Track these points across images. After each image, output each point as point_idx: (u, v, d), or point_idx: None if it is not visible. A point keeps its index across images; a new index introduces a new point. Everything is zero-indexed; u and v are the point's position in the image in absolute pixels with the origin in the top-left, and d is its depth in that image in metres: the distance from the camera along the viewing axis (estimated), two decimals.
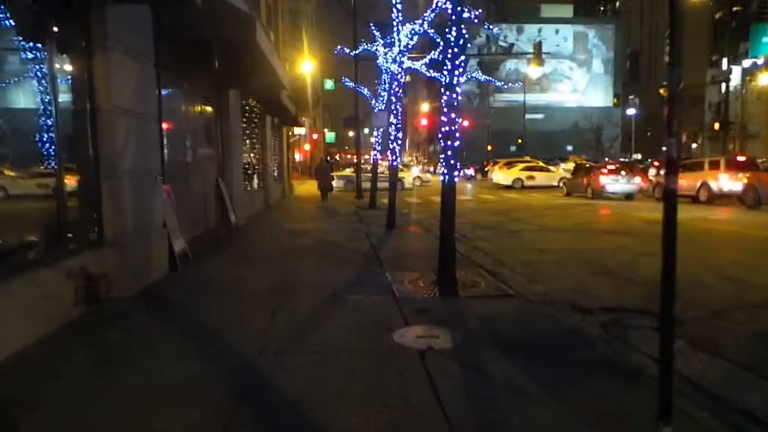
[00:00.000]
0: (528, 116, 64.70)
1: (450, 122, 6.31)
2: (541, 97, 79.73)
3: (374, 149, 18.27)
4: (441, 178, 6.59)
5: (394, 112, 12.23)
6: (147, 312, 5.23)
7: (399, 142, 12.40)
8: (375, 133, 18.02)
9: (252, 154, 16.11)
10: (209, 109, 10.80)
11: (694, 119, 77.97)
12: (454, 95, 6.31)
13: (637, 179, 23.09)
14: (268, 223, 13.31)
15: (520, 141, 58.29)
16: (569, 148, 76.93)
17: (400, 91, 12.24)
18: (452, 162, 6.38)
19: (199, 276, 7.00)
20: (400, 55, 12.20)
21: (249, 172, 15.58)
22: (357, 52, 17.27)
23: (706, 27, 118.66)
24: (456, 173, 6.46)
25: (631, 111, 74.90)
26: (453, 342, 4.42)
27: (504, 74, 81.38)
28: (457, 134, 6.41)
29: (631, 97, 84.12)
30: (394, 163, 12.45)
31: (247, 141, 15.35)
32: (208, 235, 9.66)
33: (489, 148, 66.45)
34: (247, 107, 14.72)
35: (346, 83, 18.87)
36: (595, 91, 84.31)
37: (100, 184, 5.36)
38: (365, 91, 18.40)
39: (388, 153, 12.67)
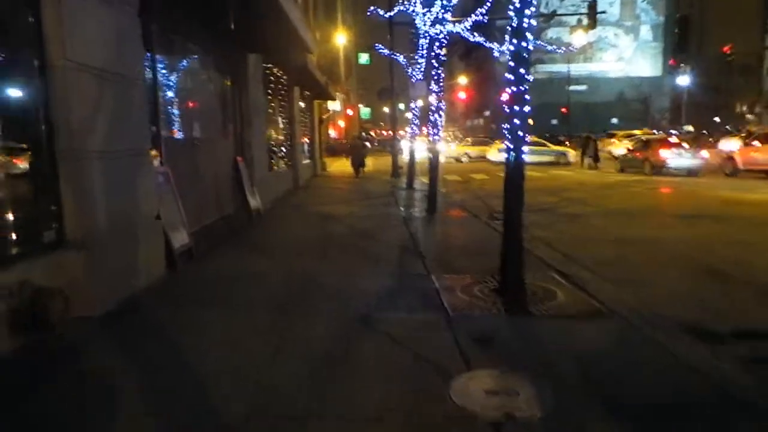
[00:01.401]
0: (570, 88, 61.33)
1: (518, 80, 4.72)
2: (585, 67, 75.61)
3: (412, 123, 16.66)
4: (504, 155, 5.03)
5: (435, 78, 10.59)
6: (109, 342, 3.90)
7: (441, 113, 10.79)
8: (412, 105, 16.40)
9: (278, 130, 14.75)
10: (224, 76, 9.43)
11: (751, 87, 72.64)
12: (524, 44, 4.69)
13: (704, 153, 20.85)
14: (294, 207, 11.98)
15: (564, 111, 55.13)
16: (614, 120, 73.10)
17: (443, 53, 10.58)
18: (520, 133, 4.81)
19: (198, 279, 5.69)
20: (443, 11, 10.49)
21: (275, 149, 14.25)
22: (392, 13, 15.56)
23: None
24: (525, 148, 4.89)
25: (683, 80, 70.12)
26: (541, 404, 2.95)
27: (546, 44, 77.67)
28: (527, 95, 4.82)
29: (682, 65, 78.94)
30: (435, 138, 10.86)
31: (273, 115, 13.98)
32: (223, 224, 8.38)
33: (530, 122, 63.53)
34: (271, 77, 13.31)
35: (380, 50, 17.21)
36: (643, 60, 79.39)
37: (57, 166, 4.03)
38: (401, 58, 16.72)
39: (428, 126, 11.08)
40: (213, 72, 8.92)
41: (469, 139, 45.37)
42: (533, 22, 4.68)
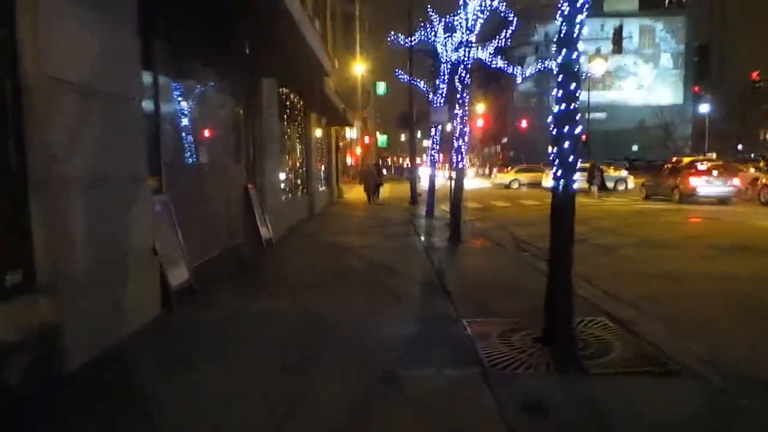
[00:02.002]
0: (589, 116, 60.60)
1: (567, 97, 4.07)
2: (604, 95, 75.05)
3: (432, 149, 16.09)
4: (551, 183, 4.35)
5: (460, 101, 10.01)
6: (75, 411, 3.22)
7: (465, 138, 10.17)
8: (432, 131, 15.85)
9: (294, 156, 14.28)
10: (237, 99, 8.96)
11: None
12: (574, 55, 4.05)
13: (736, 181, 19.74)
14: (308, 237, 11.35)
15: (584, 138, 54.26)
16: (634, 148, 72.02)
17: (468, 76, 10.01)
18: (570, 159, 4.13)
19: (196, 323, 5.02)
20: (467, 33, 9.96)
21: (290, 176, 13.74)
22: (413, 41, 15.15)
23: None
24: (576, 176, 4.20)
25: (704, 107, 68.80)
26: None
27: None
28: (577, 115, 4.16)
29: (703, 93, 77.86)
30: (460, 165, 10.22)
31: (288, 141, 13.51)
32: (231, 256, 7.76)
33: (549, 149, 62.87)
34: (287, 102, 12.88)
35: (400, 76, 16.80)
36: (663, 88, 78.70)
37: (28, 197, 3.45)
38: (422, 84, 16.27)
39: (452, 151, 10.45)
40: (224, 95, 8.46)
41: (524, 164, 45.13)
42: (584, 30, 4.05)
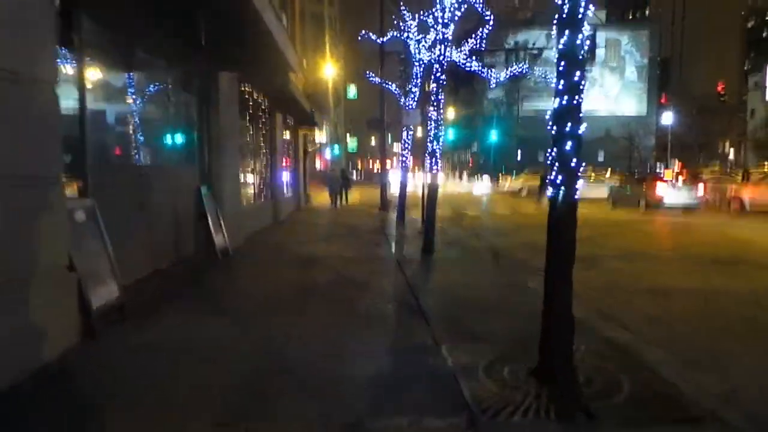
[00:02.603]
0: None
1: (570, 88, 3.43)
2: None
3: (403, 153, 15.43)
4: (549, 191, 3.68)
5: (435, 103, 9.36)
6: None
7: (441, 141, 9.52)
8: (404, 135, 15.19)
9: (257, 159, 13.39)
10: (189, 93, 8.10)
11: (735, 128, 73.71)
12: (578, 38, 3.41)
13: (701, 191, 19.97)
14: (271, 246, 10.47)
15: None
16: (600, 158, 73.23)
17: (443, 76, 9.37)
18: (573, 162, 3.48)
19: (118, 356, 4.11)
20: (443, 28, 9.33)
21: (252, 180, 12.85)
22: (385, 39, 14.51)
23: (738, 35, 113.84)
24: (578, 180, 3.56)
25: (667, 119, 70.44)
26: None
27: (533, 80, 78.22)
28: (581, 112, 3.52)
29: (659, 107, 79.97)
30: (434, 169, 9.56)
31: (250, 142, 12.63)
32: (179, 270, 6.88)
33: (519, 157, 63.37)
34: (250, 100, 12.02)
35: (371, 78, 16.11)
36: (628, 99, 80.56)
37: None
38: (393, 87, 15.63)
39: (426, 156, 9.79)
40: (174, 86, 7.59)
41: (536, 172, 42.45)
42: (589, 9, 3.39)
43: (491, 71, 16.95)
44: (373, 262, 8.49)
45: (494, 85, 17.79)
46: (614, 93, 79.65)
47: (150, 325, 4.87)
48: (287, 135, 18.43)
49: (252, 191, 12.66)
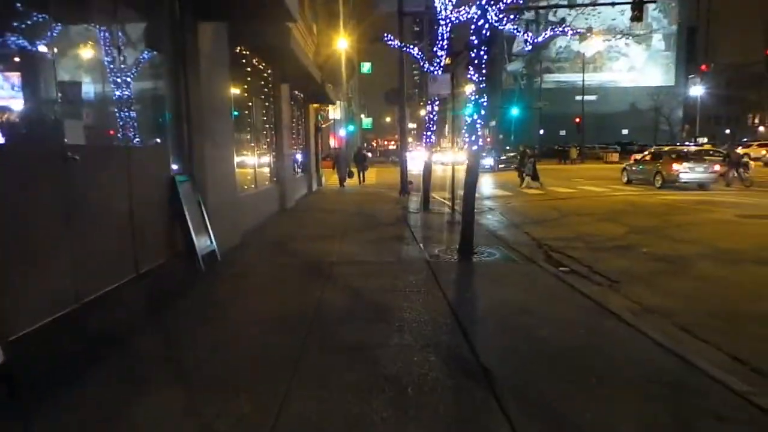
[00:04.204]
0: (579, 97, 58.51)
1: None
2: (594, 77, 73.01)
3: (427, 128, 13.37)
4: None
5: (476, 62, 7.27)
6: None
7: (483, 111, 7.47)
8: (428, 107, 13.12)
9: (257, 137, 11.45)
10: (155, 48, 6.14)
11: (764, 98, 69.73)
12: None
13: (716, 167, 19.86)
14: (270, 245, 8.55)
15: (578, 121, 51.96)
16: (624, 131, 70.02)
17: (487, 29, 7.25)
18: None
19: None
20: None
21: (252, 162, 10.94)
22: None
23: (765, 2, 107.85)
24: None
25: (696, 90, 66.76)
26: None
27: (554, 52, 74.64)
28: None
29: (692, 76, 76.03)
30: (475, 144, 7.52)
31: (248, 116, 10.68)
32: (137, 290, 5.01)
33: (541, 132, 60.59)
34: (246, 65, 10.03)
35: (389, 42, 13.95)
36: (654, 69, 76.80)
37: None
38: (415, 50, 13.48)
39: (464, 132, 7.74)
40: (130, 40, 5.62)
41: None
42: None
43: (527, 32, 14.73)
44: (400, 270, 6.54)
45: (530, 47, 15.52)
46: (639, 64, 75.88)
47: (49, 408, 3.01)
48: (296, 110, 16.43)
49: (252, 175, 10.75)
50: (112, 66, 5.20)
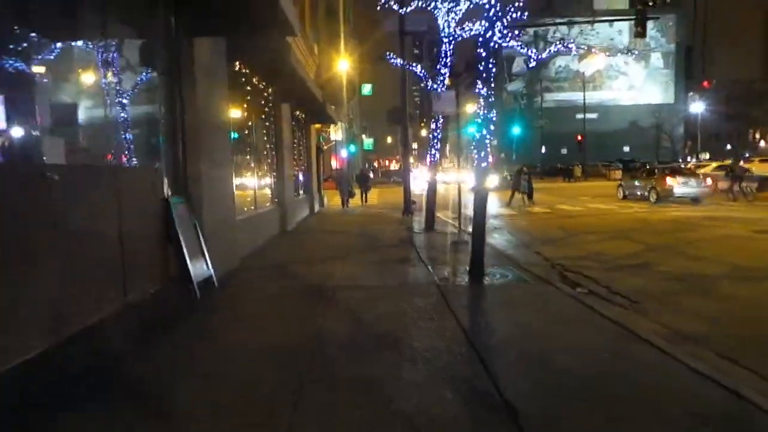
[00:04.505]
0: (579, 116, 58.63)
1: None
2: (594, 95, 73.23)
3: (431, 146, 13.09)
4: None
5: (484, 76, 6.99)
6: None
7: (491, 128, 7.16)
8: (433, 125, 12.86)
9: (258, 157, 11.17)
10: (148, 64, 5.88)
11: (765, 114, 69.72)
12: None
13: (708, 181, 20.98)
14: (271, 269, 8.15)
15: (580, 139, 51.89)
16: (626, 149, 69.93)
17: (495, 41, 7.00)
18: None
19: None
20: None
21: (253, 184, 10.63)
22: (407, 9, 12.19)
23: (762, 20, 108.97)
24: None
25: (697, 107, 66.72)
26: None
27: (554, 72, 75.03)
28: None
29: (690, 93, 76.26)
30: (483, 163, 7.19)
31: (248, 136, 10.42)
32: (123, 323, 4.63)
33: (543, 150, 60.56)
34: (246, 83, 9.80)
35: (392, 60, 13.78)
36: (654, 87, 77.12)
37: None
38: (418, 68, 13.28)
39: (476, 149, 7.41)
40: (121, 54, 5.35)
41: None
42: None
43: (531, 49, 14.58)
44: (408, 295, 6.16)
45: (533, 64, 15.39)
46: (639, 82, 76.18)
47: None
48: (297, 130, 16.21)
49: (252, 197, 10.43)
50: (102, 84, 4.91)
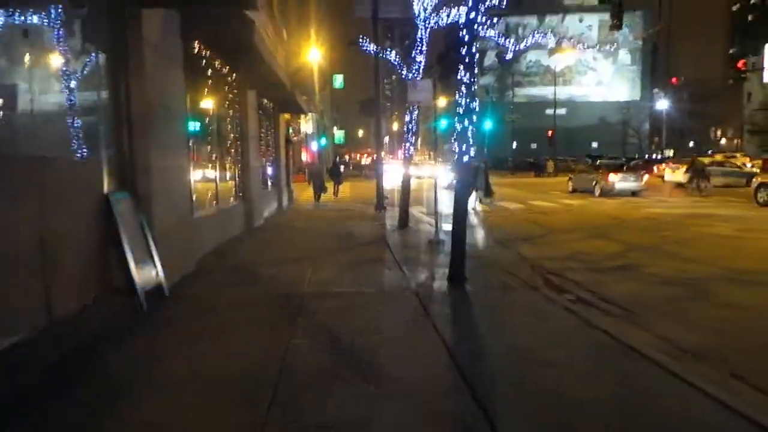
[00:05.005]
0: (550, 111, 58.92)
1: None
2: (563, 91, 73.78)
3: (406, 139, 12.46)
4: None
5: (467, 62, 6.37)
6: None
7: (474, 120, 6.56)
8: (407, 117, 12.24)
9: (221, 148, 10.34)
10: (87, 41, 5.06)
11: (733, 113, 71.63)
12: None
13: (645, 177, 23.39)
14: (233, 272, 7.36)
15: (550, 134, 52.06)
16: (594, 144, 70.78)
17: (480, 20, 6.38)
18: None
19: None
20: None
21: (215, 176, 9.80)
22: None
23: (724, 18, 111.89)
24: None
25: (662, 104, 67.87)
26: None
27: (525, 66, 75.26)
28: None
29: (655, 90, 77.76)
30: (465, 157, 6.58)
31: (210, 125, 9.58)
32: (51, 340, 3.86)
33: (514, 145, 60.71)
34: (206, 67, 8.96)
35: (364, 46, 13.06)
36: (621, 83, 78.32)
37: None
38: (393, 55, 12.61)
39: (455, 140, 6.81)
40: (53, 26, 4.52)
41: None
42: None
43: (509, 39, 14.10)
44: (384, 305, 5.54)
45: (510, 57, 14.93)
46: (607, 78, 77.19)
47: None
48: (265, 120, 15.34)
49: (213, 191, 9.62)
50: (28, 61, 4.10)
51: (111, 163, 5.33)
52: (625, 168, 24.42)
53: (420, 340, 4.39)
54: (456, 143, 6.64)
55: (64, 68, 4.77)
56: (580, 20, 77.15)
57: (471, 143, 6.57)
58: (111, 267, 5.05)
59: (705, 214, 14.44)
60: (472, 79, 6.49)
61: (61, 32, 4.71)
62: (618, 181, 21.75)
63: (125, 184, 5.56)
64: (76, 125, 4.82)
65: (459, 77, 6.48)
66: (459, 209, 6.71)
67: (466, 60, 6.41)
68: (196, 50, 8.21)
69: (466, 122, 6.49)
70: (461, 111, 6.50)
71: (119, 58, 5.48)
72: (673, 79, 52.81)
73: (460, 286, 6.37)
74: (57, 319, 4.07)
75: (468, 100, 6.48)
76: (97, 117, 5.21)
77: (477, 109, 6.54)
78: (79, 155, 4.86)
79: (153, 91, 5.87)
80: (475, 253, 8.89)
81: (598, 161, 33.23)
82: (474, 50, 6.42)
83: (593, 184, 22.58)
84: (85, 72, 5.05)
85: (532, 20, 72.63)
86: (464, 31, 6.37)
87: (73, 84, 4.91)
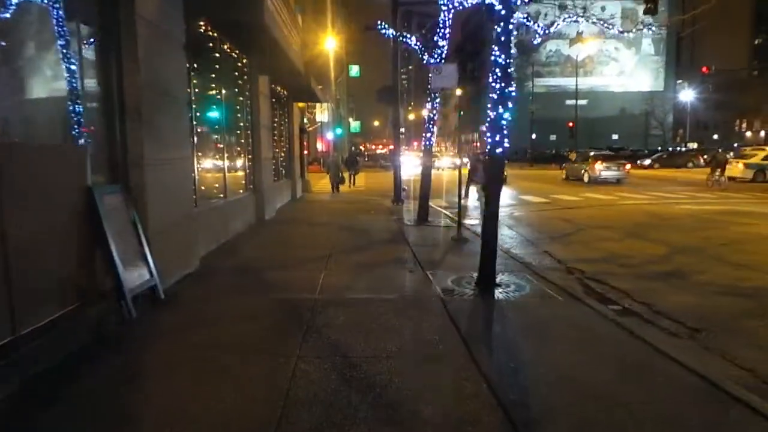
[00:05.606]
0: (570, 102, 57.54)
1: None
2: (585, 81, 72.09)
3: (427, 129, 11.71)
4: None
5: (503, 41, 5.62)
6: None
7: (509, 104, 5.81)
8: (428, 105, 11.48)
9: (230, 137, 9.70)
10: (74, 15, 4.40)
11: (758, 104, 69.23)
12: None
13: (627, 166, 26.64)
14: (239, 273, 6.65)
15: (571, 125, 50.78)
16: (615, 136, 69.15)
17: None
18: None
19: None
20: None
21: (221, 166, 9.17)
22: None
23: (749, 7, 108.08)
24: None
25: (686, 96, 65.82)
26: None
27: (544, 56, 73.61)
28: None
29: (679, 81, 75.54)
30: (498, 149, 5.84)
31: (217, 111, 8.93)
32: (14, 360, 3.24)
33: (533, 136, 59.46)
34: (214, 48, 8.30)
35: (383, 30, 12.28)
36: (644, 74, 76.22)
37: None
38: (413, 40, 11.82)
39: (488, 129, 6.07)
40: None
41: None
42: None
43: (537, 24, 13.24)
44: (407, 316, 4.84)
45: (538, 41, 14.10)
46: (629, 68, 75.17)
47: None
48: (278, 108, 14.69)
49: (221, 183, 9.00)
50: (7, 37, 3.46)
51: (99, 154, 4.71)
52: (609, 158, 27.19)
53: (451, 365, 3.70)
54: (488, 133, 5.90)
55: (45, 46, 4.13)
56: (603, 9, 75.08)
57: (505, 133, 5.82)
58: (96, 270, 4.43)
59: (741, 212, 13.50)
60: (508, 61, 5.73)
61: (41, 4, 4.07)
62: (603, 170, 24.65)
63: (116, 177, 4.94)
64: (56, 110, 4.19)
65: (493, 58, 5.72)
66: (491, 209, 5.98)
67: (502, 39, 5.65)
68: (203, 31, 7.56)
69: (501, 109, 5.74)
70: (495, 96, 5.75)
71: (109, 36, 4.84)
72: (704, 69, 50.84)
73: (489, 292, 5.66)
74: (23, 335, 3.45)
75: (503, 84, 5.73)
76: (83, 102, 4.57)
77: (514, 93, 5.78)
78: (57, 143, 4.22)
79: (149, 75, 5.23)
80: (504, 252, 8.17)
81: (592, 152, 32.32)
82: (510, 27, 5.65)
83: (582, 172, 25.65)
84: (68, 51, 4.40)
85: (552, 8, 70.95)
86: (501, 5, 5.59)
87: (53, 64, 4.28)
